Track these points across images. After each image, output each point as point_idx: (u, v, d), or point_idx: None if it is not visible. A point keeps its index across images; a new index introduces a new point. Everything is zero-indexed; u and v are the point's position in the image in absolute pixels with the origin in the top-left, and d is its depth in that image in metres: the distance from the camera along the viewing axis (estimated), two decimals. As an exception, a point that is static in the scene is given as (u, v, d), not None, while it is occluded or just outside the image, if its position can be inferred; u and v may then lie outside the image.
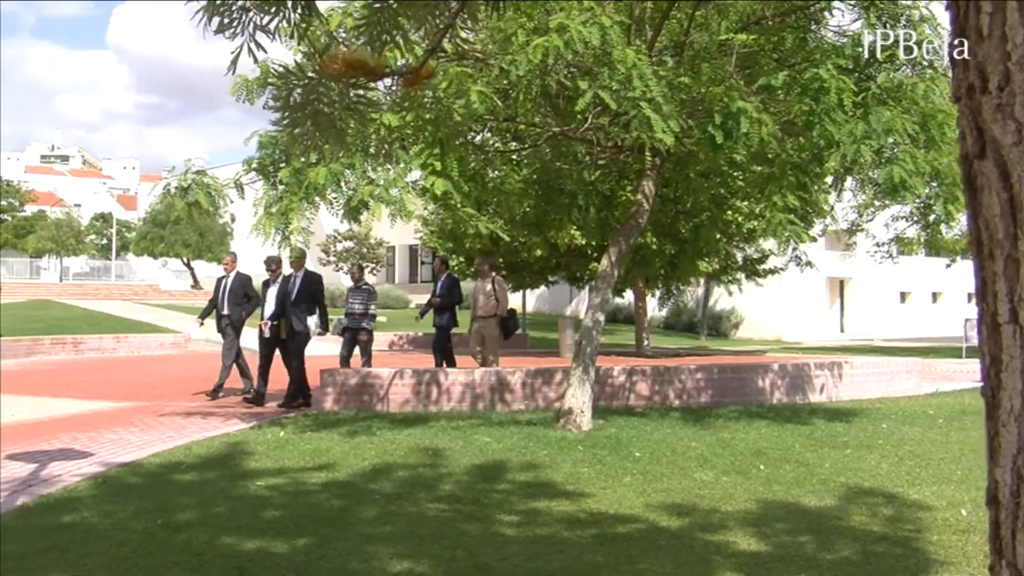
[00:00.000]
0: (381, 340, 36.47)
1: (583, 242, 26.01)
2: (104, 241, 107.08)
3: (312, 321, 16.15)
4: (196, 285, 63.89)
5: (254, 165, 13.06)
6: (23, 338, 29.27)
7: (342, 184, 12.29)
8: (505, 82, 11.78)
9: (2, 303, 44.79)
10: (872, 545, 7.55)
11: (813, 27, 13.66)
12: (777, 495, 9.41)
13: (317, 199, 12.49)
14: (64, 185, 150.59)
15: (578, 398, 13.45)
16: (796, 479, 10.22)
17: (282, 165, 12.56)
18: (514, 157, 16.73)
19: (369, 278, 49.52)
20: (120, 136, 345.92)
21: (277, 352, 16.95)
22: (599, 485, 9.76)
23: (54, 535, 7.68)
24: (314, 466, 10.67)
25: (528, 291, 39.02)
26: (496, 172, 16.02)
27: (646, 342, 33.33)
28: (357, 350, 18.86)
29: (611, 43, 10.94)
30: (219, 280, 18.37)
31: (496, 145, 16.33)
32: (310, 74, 3.90)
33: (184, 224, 58.11)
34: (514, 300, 49.52)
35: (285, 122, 3.82)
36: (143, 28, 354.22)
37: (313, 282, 16.52)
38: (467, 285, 25.69)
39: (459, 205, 13.02)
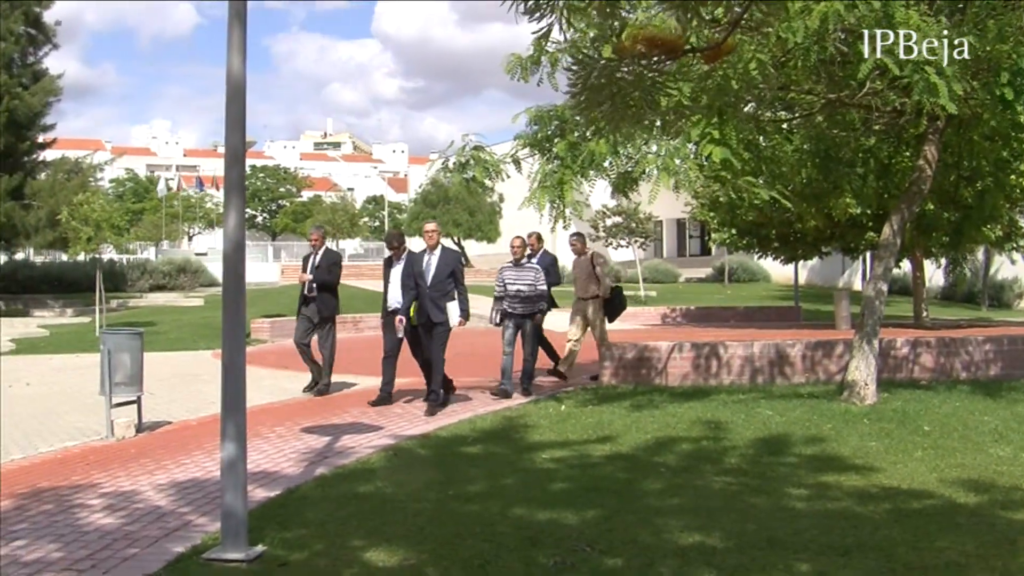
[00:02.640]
0: (653, 314, 36.50)
1: (858, 211, 25.24)
2: (376, 223, 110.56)
3: (453, 308, 13.52)
4: (467, 264, 65.23)
5: (528, 140, 13.19)
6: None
7: (621, 155, 12.29)
8: (776, 50, 11.52)
9: (285, 285, 46.83)
10: None
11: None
12: (1084, 471, 8.96)
13: (592, 172, 12.53)
14: (337, 170, 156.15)
15: (862, 370, 13.11)
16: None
17: (557, 139, 12.66)
18: (784, 127, 16.38)
19: (637, 253, 49.48)
20: (388, 121, 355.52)
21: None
22: (889, 459, 9.50)
23: (352, 504, 7.98)
24: (597, 439, 10.74)
25: (800, 263, 38.18)
26: (767, 142, 15.71)
27: (925, 313, 32.18)
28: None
29: (892, 5, 10.57)
30: (305, 259, 16.26)
31: (768, 115, 16.02)
32: (600, 56, 3.89)
33: (454, 204, 59.37)
34: (786, 272, 48.80)
35: (583, 103, 3.83)
36: (406, 15, 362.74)
37: (453, 260, 13.86)
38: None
39: (737, 173, 12.82)
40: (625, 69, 3.72)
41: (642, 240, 48.28)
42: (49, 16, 39.83)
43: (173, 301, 41.30)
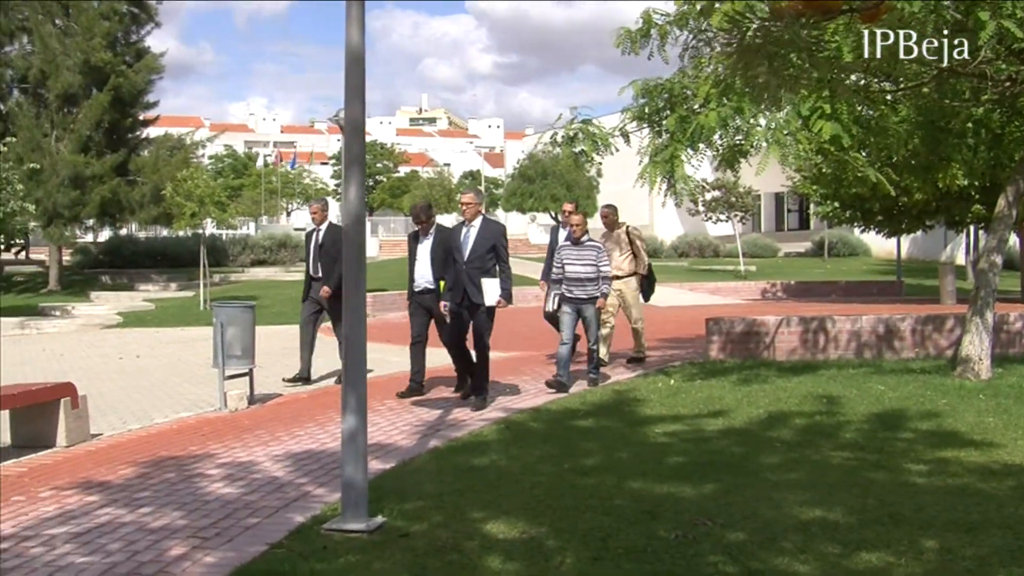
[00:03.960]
0: (753, 289, 36.24)
1: (966, 183, 24.73)
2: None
3: (491, 286, 11.61)
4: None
5: (636, 113, 13.09)
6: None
7: (729, 128, 12.15)
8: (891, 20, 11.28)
9: (385, 260, 47.22)
10: None
11: None
12: None
13: (702, 145, 12.42)
14: (433, 146, 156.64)
15: (976, 345, 12.88)
16: None
17: (666, 113, 12.56)
18: (888, 97, 16.06)
19: (737, 227, 49.09)
20: (482, 96, 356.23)
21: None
22: (1009, 436, 9.31)
23: (468, 476, 8.01)
24: (708, 413, 10.68)
25: (902, 237, 37.60)
26: (871, 113, 15.42)
27: (1033, 287, 31.50)
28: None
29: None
30: (308, 236, 14.90)
31: (876, 86, 15.73)
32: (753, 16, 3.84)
33: (552, 178, 59.19)
34: (887, 246, 48.12)
35: (739, 65, 3.78)
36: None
37: (495, 234, 12.00)
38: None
39: (847, 149, 12.64)
40: (780, 30, 3.67)
41: (742, 214, 47.91)
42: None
43: (273, 276, 41.74)
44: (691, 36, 11.57)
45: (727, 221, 48.37)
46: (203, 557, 6.08)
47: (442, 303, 12.14)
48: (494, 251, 11.79)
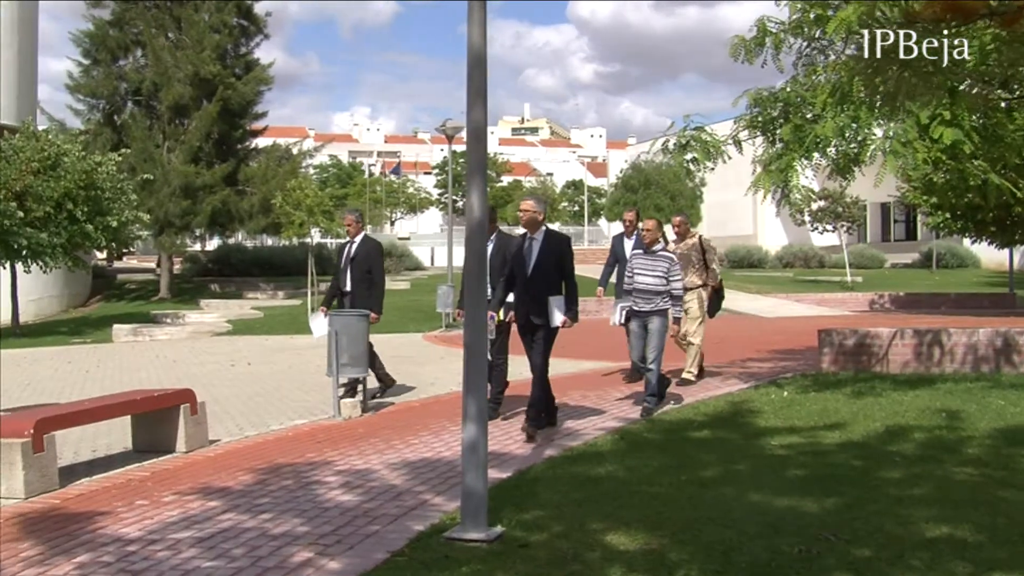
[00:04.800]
0: (860, 300, 35.74)
1: (1086, 192, 24.13)
2: (576, 208, 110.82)
3: (556, 304, 10.30)
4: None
5: (749, 122, 12.96)
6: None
7: (845, 137, 11.98)
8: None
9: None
10: None
11: None
12: None
13: (817, 155, 12.26)
14: (536, 155, 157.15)
15: (1102, 360, 12.57)
16: None
17: (781, 122, 12.43)
18: (1003, 104, 15.72)
19: (843, 237, 48.44)
20: (584, 106, 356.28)
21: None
22: None
23: (586, 487, 7.98)
24: (824, 426, 10.52)
25: (1015, 248, 36.78)
26: (985, 121, 15.11)
27: None
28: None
29: None
30: (339, 248, 14.16)
31: (994, 93, 15.41)
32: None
33: (655, 188, 58.93)
34: (997, 258, 47.11)
35: (866, 72, 3.72)
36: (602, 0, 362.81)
37: (559, 247, 10.59)
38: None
39: (965, 157, 12.40)
40: (913, 34, 3.60)
41: (848, 224, 47.31)
42: (259, 8, 41.36)
43: (377, 285, 41.95)
44: (806, 44, 11.47)
45: (833, 231, 47.79)
46: (326, 563, 6.12)
47: (489, 313, 10.07)
48: (559, 266, 10.48)
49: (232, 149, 40.21)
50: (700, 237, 14.64)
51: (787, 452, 9.25)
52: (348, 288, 13.37)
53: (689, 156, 12.91)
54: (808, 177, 12.73)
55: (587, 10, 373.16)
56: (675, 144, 13.08)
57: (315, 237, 36.86)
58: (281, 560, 6.20)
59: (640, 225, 12.94)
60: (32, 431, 8.33)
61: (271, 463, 9.28)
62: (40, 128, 29.45)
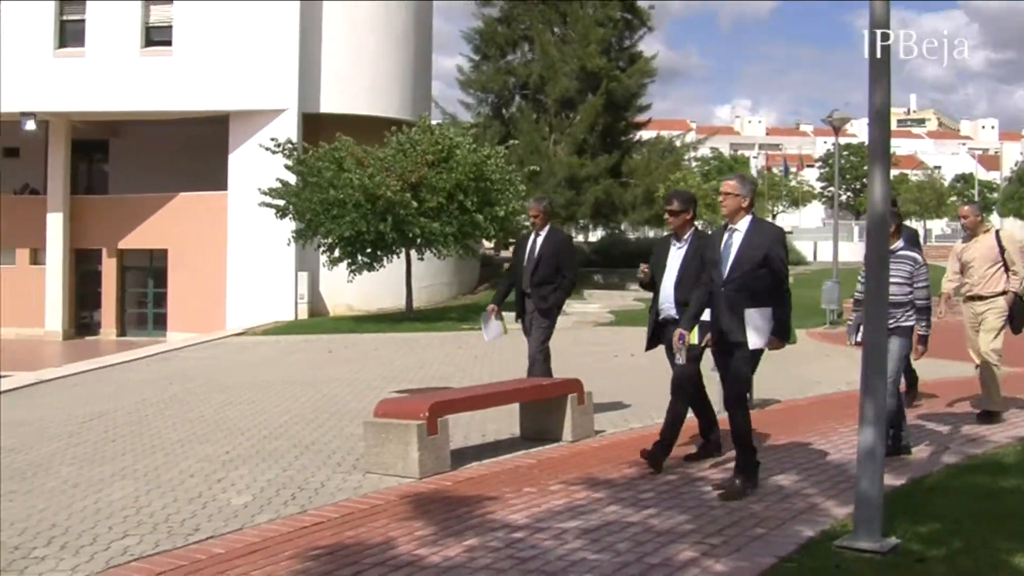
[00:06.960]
0: None
1: None
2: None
3: (757, 319, 7.76)
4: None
5: None
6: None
7: None
8: None
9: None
10: None
11: None
12: None
13: None
14: (923, 148, 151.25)
15: None
16: None
17: None
18: None
19: None
20: (975, 96, 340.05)
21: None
22: None
23: (988, 501, 7.48)
24: None
25: None
26: None
27: None
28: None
29: None
30: (519, 242, 12.31)
31: None
32: None
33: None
34: None
35: None
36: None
37: (767, 240, 7.99)
38: None
39: None
40: None
41: None
42: (643, 2, 41.61)
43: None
44: None
45: None
46: (712, 564, 5.97)
47: (676, 333, 8.29)
48: (766, 264, 7.88)
49: (616, 141, 40.75)
50: (997, 232, 11.78)
51: None
52: (528, 289, 11.57)
53: None
54: None
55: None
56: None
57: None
58: (666, 558, 6.09)
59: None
60: (427, 414, 8.59)
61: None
62: (434, 122, 30.64)
